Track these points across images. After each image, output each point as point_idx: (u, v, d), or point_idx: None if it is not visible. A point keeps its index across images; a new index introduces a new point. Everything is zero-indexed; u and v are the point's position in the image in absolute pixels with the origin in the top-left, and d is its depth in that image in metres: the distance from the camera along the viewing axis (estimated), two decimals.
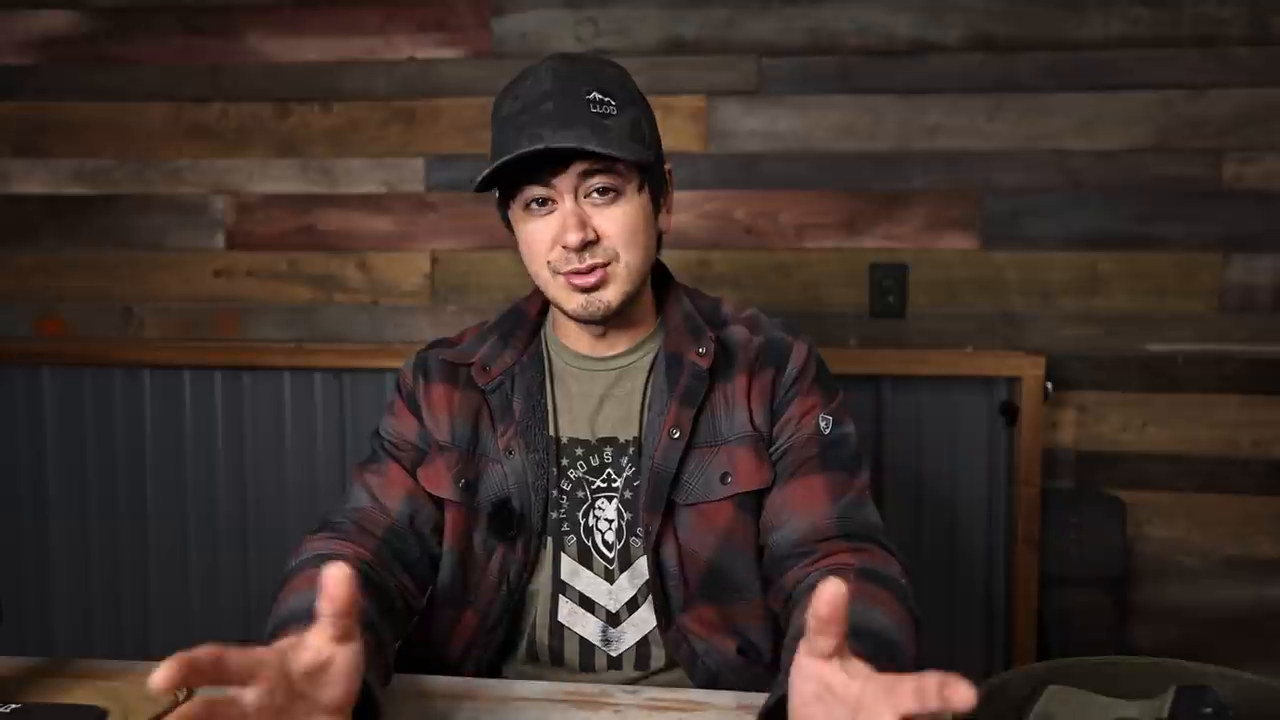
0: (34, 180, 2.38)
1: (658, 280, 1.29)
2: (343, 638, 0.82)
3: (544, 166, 1.13)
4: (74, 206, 2.37)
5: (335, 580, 0.79)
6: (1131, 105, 2.09)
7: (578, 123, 1.11)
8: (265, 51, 2.29)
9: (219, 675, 0.73)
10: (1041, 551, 2.10)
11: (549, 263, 1.17)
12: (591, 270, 1.15)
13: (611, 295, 1.17)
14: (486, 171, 1.13)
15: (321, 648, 0.81)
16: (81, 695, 1.05)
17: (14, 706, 1.02)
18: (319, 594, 0.79)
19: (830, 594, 0.74)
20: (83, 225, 2.37)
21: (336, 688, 0.82)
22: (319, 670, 0.81)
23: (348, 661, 0.82)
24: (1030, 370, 2.06)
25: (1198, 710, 0.82)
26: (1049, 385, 2.08)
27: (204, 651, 0.71)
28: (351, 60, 2.27)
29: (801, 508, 1.16)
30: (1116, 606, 2.13)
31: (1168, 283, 2.11)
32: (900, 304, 2.16)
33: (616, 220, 1.16)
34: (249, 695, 0.75)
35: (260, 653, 0.77)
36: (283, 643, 0.81)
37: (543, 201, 1.16)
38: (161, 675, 0.68)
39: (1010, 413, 2.08)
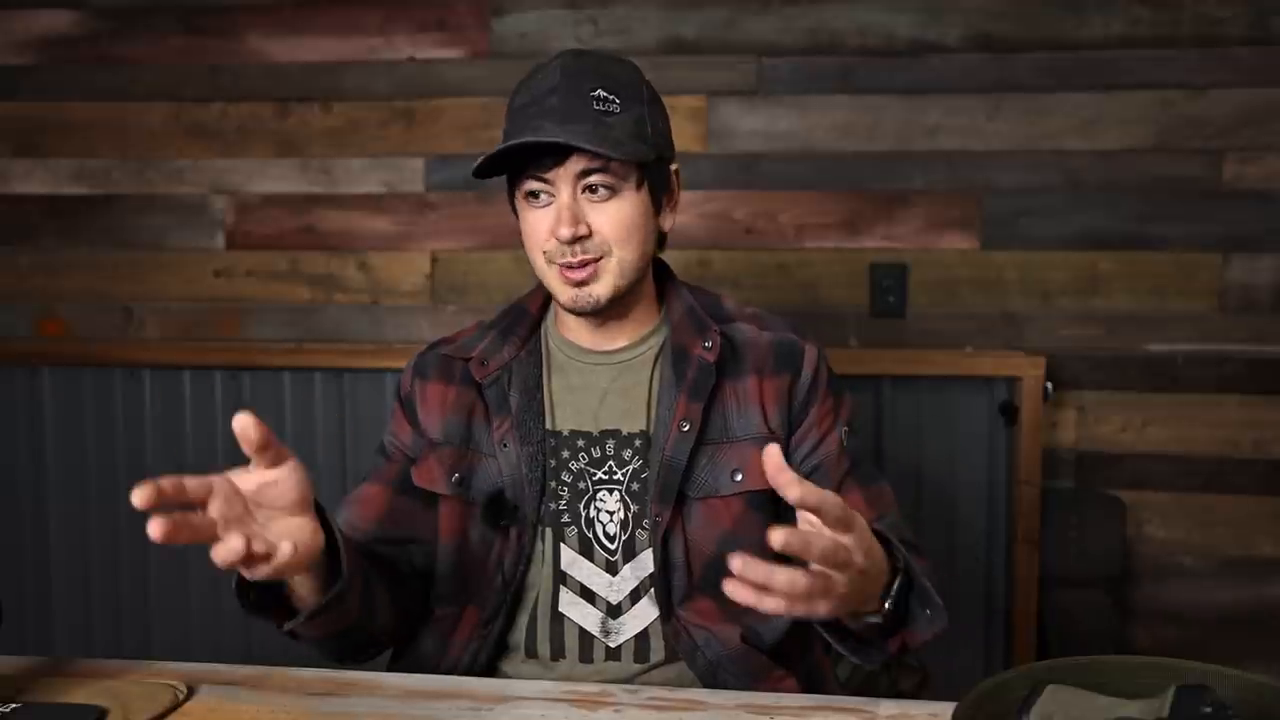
0: (34, 180, 2.38)
1: (659, 277, 1.31)
2: (275, 462, 0.93)
3: (545, 159, 1.16)
4: (74, 206, 2.37)
5: (244, 426, 0.89)
6: (1131, 105, 2.08)
7: (579, 119, 1.14)
8: (265, 51, 2.29)
9: (181, 498, 0.86)
10: (1041, 551, 2.10)
11: (545, 252, 1.20)
12: (583, 265, 1.18)
13: (600, 290, 1.19)
14: (483, 159, 1.16)
15: (265, 474, 0.93)
16: (81, 695, 1.05)
17: (14, 706, 1.02)
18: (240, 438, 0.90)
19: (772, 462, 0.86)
20: (83, 225, 2.37)
21: (290, 493, 0.94)
22: (268, 485, 0.93)
23: (290, 475, 0.93)
24: (1030, 370, 2.06)
25: (1198, 710, 0.82)
26: (1049, 385, 2.07)
27: (167, 481, 0.83)
28: (351, 60, 2.27)
29: None
30: (1116, 606, 2.13)
31: (1168, 283, 2.11)
32: (900, 304, 2.16)
33: (611, 217, 1.18)
34: (211, 509, 0.88)
35: (210, 478, 0.89)
36: (231, 472, 0.92)
37: (540, 194, 1.19)
38: (140, 495, 0.81)
39: (1010, 413, 2.07)
